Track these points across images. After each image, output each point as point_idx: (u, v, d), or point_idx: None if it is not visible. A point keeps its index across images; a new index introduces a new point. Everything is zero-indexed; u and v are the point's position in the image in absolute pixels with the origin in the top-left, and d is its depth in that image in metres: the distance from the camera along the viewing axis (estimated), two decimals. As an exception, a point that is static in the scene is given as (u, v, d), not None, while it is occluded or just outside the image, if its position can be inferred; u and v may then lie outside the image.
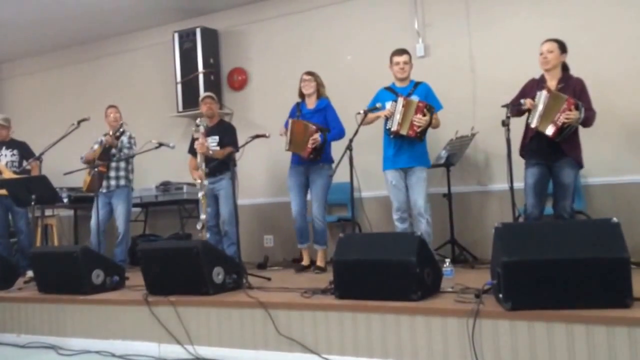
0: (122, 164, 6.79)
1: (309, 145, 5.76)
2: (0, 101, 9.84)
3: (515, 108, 4.85)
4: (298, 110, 6.12)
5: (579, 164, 4.95)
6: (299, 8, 7.47)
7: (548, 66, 4.94)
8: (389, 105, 5.45)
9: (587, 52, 5.71)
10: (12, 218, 7.27)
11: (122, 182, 6.80)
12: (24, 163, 7.15)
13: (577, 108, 4.64)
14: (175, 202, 7.66)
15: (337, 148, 5.76)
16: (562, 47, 4.95)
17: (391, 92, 5.63)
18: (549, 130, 4.70)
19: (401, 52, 5.64)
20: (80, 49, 9.06)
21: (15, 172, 7.05)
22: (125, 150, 6.72)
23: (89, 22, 8.15)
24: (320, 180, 5.96)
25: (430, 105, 5.38)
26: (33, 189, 6.05)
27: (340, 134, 5.96)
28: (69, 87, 9.19)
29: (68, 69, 9.24)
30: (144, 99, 8.40)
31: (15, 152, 7.29)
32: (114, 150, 6.67)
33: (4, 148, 7.29)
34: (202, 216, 5.70)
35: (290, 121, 5.89)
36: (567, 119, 4.64)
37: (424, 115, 5.30)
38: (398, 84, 5.67)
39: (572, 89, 4.85)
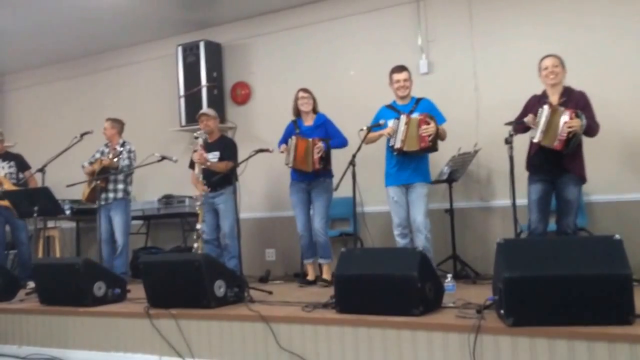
0: (121, 177, 6.82)
1: (316, 156, 5.78)
2: (3, 113, 9.88)
3: (520, 125, 4.87)
4: (296, 128, 6.13)
5: (582, 179, 4.96)
6: (303, 22, 7.51)
7: (556, 80, 4.95)
8: (390, 123, 5.44)
9: (590, 71, 5.73)
10: (10, 230, 7.27)
11: (120, 194, 6.84)
12: (21, 175, 7.20)
13: (577, 116, 4.68)
14: (177, 215, 7.66)
15: (339, 162, 5.77)
16: (563, 63, 4.98)
17: (393, 110, 5.61)
18: (556, 144, 4.72)
19: (400, 69, 5.61)
20: (83, 62, 9.10)
21: (14, 184, 7.07)
22: (126, 162, 6.73)
23: (92, 35, 8.19)
24: (322, 195, 5.99)
25: (430, 115, 5.39)
26: (35, 201, 6.08)
27: (344, 142, 5.99)
28: (71, 100, 9.22)
29: (71, 81, 9.28)
30: (146, 112, 8.42)
31: (12, 163, 7.31)
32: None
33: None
34: (198, 226, 5.71)
35: (294, 139, 5.91)
36: (569, 127, 4.66)
37: (429, 124, 5.30)
38: (399, 102, 5.66)
39: (575, 103, 4.87)
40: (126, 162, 6.75)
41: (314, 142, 5.84)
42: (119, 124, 7.03)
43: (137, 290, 5.24)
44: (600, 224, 5.86)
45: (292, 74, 7.45)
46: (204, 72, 7.70)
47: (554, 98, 4.97)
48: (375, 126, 5.45)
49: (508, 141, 4.74)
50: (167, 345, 4.45)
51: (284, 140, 6.09)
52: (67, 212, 7.71)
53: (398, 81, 5.58)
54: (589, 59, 5.88)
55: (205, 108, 6.73)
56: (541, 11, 6.23)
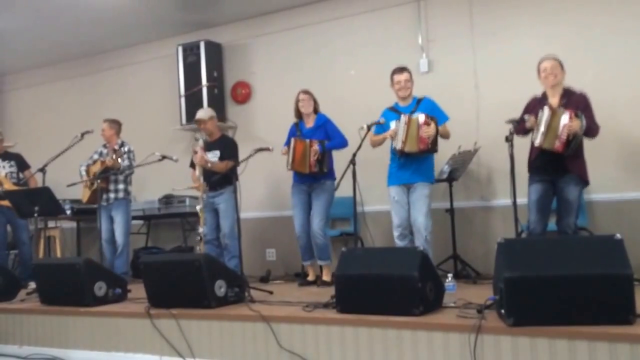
0: (121, 177, 6.82)
1: (312, 158, 5.78)
2: (3, 113, 9.87)
3: (520, 126, 4.86)
4: (298, 130, 6.13)
5: (584, 181, 4.95)
6: (303, 22, 7.50)
7: (556, 82, 4.94)
8: (393, 124, 5.43)
9: (590, 70, 5.74)
10: (12, 230, 7.27)
11: (121, 194, 6.85)
12: (21, 175, 7.20)
13: (577, 116, 4.68)
14: (177, 215, 7.66)
15: (340, 163, 5.77)
16: (562, 65, 4.98)
17: (394, 111, 5.59)
18: (557, 146, 4.72)
19: (401, 70, 5.60)
20: (84, 62, 9.10)
21: (15, 184, 7.07)
22: (126, 162, 6.73)
23: (92, 35, 8.19)
24: (322, 196, 5.98)
25: (432, 116, 5.38)
26: (36, 201, 6.08)
27: (342, 143, 5.96)
28: (72, 100, 9.21)
29: (71, 81, 9.27)
30: (147, 111, 8.42)
31: (12, 163, 7.31)
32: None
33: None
34: (200, 229, 5.71)
35: (293, 140, 5.91)
36: (569, 129, 4.66)
37: (429, 125, 5.30)
38: (401, 103, 5.64)
39: (575, 105, 4.86)
40: (126, 162, 6.75)
41: (311, 143, 5.83)
42: (116, 125, 7.03)
43: (137, 290, 5.24)
44: (601, 223, 5.86)
45: (293, 73, 7.45)
46: (204, 72, 7.70)
47: (554, 100, 4.96)
48: (375, 124, 5.44)
49: (508, 139, 4.72)
50: (168, 345, 4.45)
51: (288, 143, 6.09)
52: (68, 212, 7.72)
53: (399, 82, 5.57)
54: (589, 58, 5.88)
55: (198, 112, 6.60)
56: (541, 10, 6.23)
